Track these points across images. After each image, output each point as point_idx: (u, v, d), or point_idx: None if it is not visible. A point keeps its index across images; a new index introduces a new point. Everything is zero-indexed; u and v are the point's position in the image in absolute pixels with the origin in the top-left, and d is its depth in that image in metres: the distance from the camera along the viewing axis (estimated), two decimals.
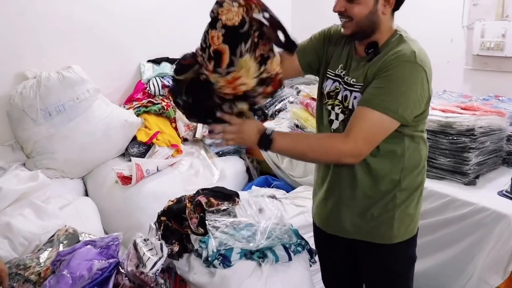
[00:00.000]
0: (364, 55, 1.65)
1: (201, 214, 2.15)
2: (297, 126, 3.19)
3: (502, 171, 2.66)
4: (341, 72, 1.72)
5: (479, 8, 3.11)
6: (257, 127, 1.65)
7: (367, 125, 1.56)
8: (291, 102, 3.62)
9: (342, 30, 1.66)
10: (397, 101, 1.52)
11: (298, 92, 3.80)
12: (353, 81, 1.65)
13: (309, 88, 3.32)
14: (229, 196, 2.30)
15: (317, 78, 4.18)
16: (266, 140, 1.63)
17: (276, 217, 2.15)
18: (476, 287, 2.39)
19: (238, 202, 2.29)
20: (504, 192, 2.42)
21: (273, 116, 3.70)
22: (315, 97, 3.05)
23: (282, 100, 3.75)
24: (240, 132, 1.63)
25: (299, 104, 3.26)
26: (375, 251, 1.78)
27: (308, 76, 4.31)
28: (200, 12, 3.89)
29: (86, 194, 3.16)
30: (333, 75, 1.75)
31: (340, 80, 1.71)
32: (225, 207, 2.21)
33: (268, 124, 3.52)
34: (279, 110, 3.71)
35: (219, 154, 3.45)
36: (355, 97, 1.64)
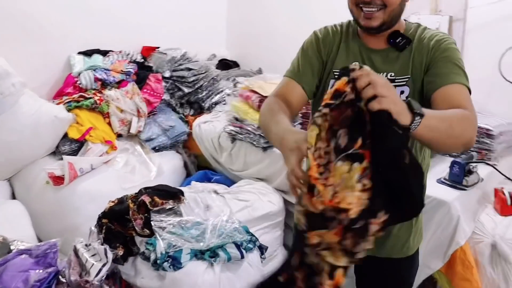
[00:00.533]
0: (385, 46, 1.55)
1: (146, 215, 2.05)
2: (236, 119, 3.13)
3: (440, 159, 2.74)
4: None
5: (415, 2, 3.17)
6: None
7: (471, 103, 1.37)
8: (228, 95, 3.56)
9: (366, 22, 1.49)
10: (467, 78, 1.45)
11: (235, 84, 3.75)
12: (391, 76, 1.51)
13: (248, 80, 3.26)
14: (174, 194, 2.22)
15: (253, 69, 4.15)
16: (417, 106, 1.12)
17: (225, 213, 2.09)
18: (418, 272, 2.45)
19: (183, 200, 2.21)
20: (442, 179, 2.50)
21: (209, 109, 3.62)
22: (255, 89, 3.03)
23: (219, 93, 3.68)
24: (390, 87, 1.07)
25: (238, 96, 3.20)
26: (392, 265, 1.69)
27: (244, 68, 4.28)
28: (133, 1, 3.74)
29: (14, 197, 2.94)
30: None
31: None
32: (170, 206, 2.13)
33: (206, 118, 3.44)
34: (216, 103, 3.64)
35: (156, 149, 3.33)
36: (402, 92, 1.49)
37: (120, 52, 3.55)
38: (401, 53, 1.53)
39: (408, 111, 1.10)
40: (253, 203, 2.63)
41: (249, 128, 2.98)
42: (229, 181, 3.12)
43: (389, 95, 1.04)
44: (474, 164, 2.47)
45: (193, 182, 2.94)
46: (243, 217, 2.51)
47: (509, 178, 2.81)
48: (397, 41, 1.52)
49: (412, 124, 1.10)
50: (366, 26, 1.50)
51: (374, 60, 1.55)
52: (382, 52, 1.55)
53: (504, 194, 2.54)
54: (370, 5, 1.46)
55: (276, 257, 2.75)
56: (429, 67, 1.47)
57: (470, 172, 2.45)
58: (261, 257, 2.10)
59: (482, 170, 2.55)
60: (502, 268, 2.37)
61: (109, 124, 3.22)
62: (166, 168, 3.21)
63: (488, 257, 2.40)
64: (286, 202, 2.84)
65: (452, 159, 2.52)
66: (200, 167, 3.49)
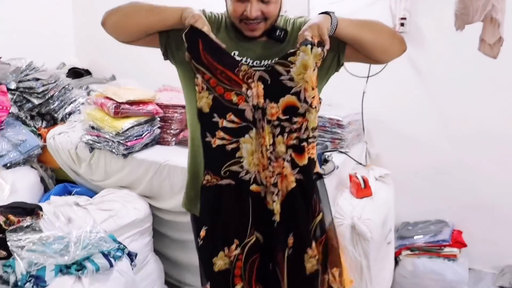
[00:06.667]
0: (265, 39, 1.65)
1: (1, 235, 1.91)
2: (93, 127, 3.01)
3: None
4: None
5: None
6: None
7: None
8: (82, 103, 3.42)
9: (249, 33, 1.60)
10: None
11: (89, 92, 3.62)
12: (275, 61, 1.61)
13: (102, 87, 3.17)
14: (31, 210, 2.09)
15: (106, 76, 4.02)
16: (333, 16, 1.62)
17: (88, 224, 2.02)
18: None
19: (42, 215, 2.09)
20: None
21: (63, 119, 3.45)
22: (110, 96, 2.95)
23: (72, 102, 3.51)
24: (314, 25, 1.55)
25: (93, 104, 3.09)
26: None
27: (96, 75, 4.14)
28: None
29: None
30: None
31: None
32: (28, 223, 2.00)
33: (61, 129, 3.28)
34: (70, 113, 3.48)
35: (7, 166, 3.09)
36: None
37: None
38: (282, 44, 1.65)
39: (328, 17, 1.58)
40: (117, 212, 2.57)
41: (107, 136, 2.89)
42: (91, 192, 3.01)
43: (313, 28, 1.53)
44: (329, 153, 2.65)
45: (52, 197, 2.79)
46: (109, 227, 2.45)
47: (360, 163, 3.07)
48: (277, 34, 1.64)
49: (331, 24, 1.59)
50: (249, 36, 1.62)
51: (255, 49, 1.65)
52: (264, 42, 1.66)
53: (357, 178, 2.75)
54: (254, 20, 1.56)
55: (149, 263, 2.71)
56: None
57: (326, 161, 2.62)
58: (131, 265, 2.05)
59: (336, 158, 2.74)
60: (362, 246, 2.56)
61: None
62: (20, 185, 3.00)
63: (349, 238, 2.58)
64: (152, 207, 2.81)
65: None
66: (59, 181, 3.31)
